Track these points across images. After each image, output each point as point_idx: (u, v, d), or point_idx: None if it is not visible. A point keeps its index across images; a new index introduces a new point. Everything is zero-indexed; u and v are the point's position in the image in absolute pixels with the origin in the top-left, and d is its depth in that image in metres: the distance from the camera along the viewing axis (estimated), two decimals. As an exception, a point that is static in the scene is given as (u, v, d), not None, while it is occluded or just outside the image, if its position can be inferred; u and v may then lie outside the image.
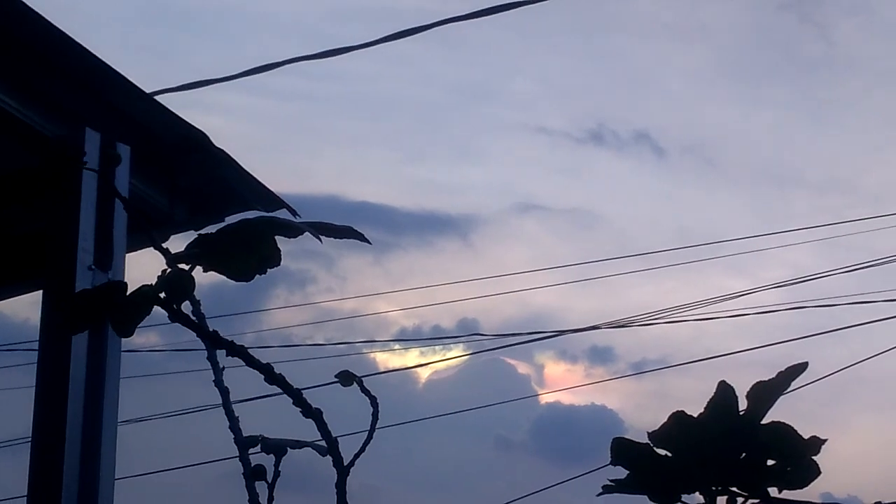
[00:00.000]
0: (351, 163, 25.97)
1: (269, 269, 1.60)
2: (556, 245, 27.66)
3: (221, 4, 24.47)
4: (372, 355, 18.52)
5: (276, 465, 2.09)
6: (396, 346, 18.39)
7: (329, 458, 1.87)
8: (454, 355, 18.84)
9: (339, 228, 1.62)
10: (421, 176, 27.77)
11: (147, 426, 15.45)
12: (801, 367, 1.81)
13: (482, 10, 6.88)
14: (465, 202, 27.53)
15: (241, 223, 1.59)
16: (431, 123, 27.33)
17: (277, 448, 2.08)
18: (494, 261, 28.42)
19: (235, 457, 2.11)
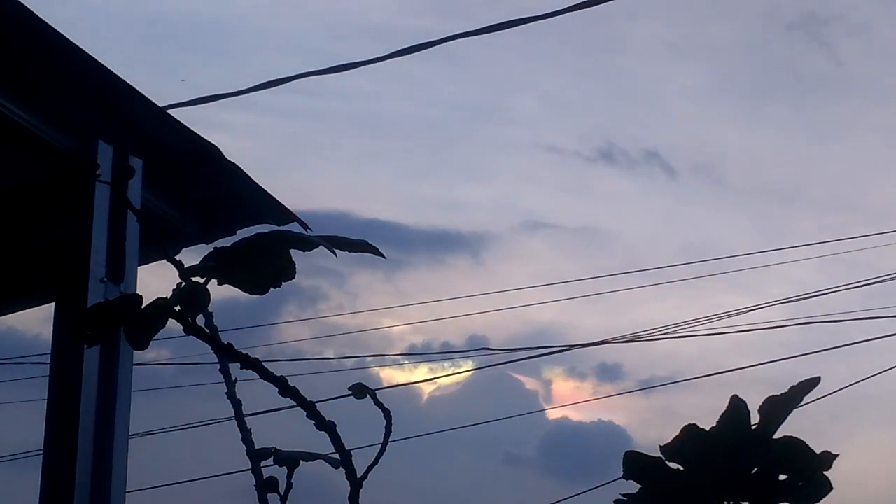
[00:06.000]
0: (359, 180, 25.96)
1: (283, 283, 1.61)
2: (565, 263, 27.67)
3: (225, 24, 24.51)
4: (381, 371, 18.51)
5: (289, 477, 2.09)
6: (405, 362, 18.39)
7: (342, 470, 1.87)
8: (463, 370, 18.84)
9: (353, 242, 1.63)
10: (431, 194, 27.75)
11: (159, 440, 15.47)
12: (813, 382, 1.80)
13: (488, 27, 6.89)
14: (475, 220, 27.47)
15: (255, 237, 1.59)
16: (440, 141, 27.34)
17: (290, 460, 2.08)
18: (504, 278, 28.42)
19: (247, 469, 2.11)
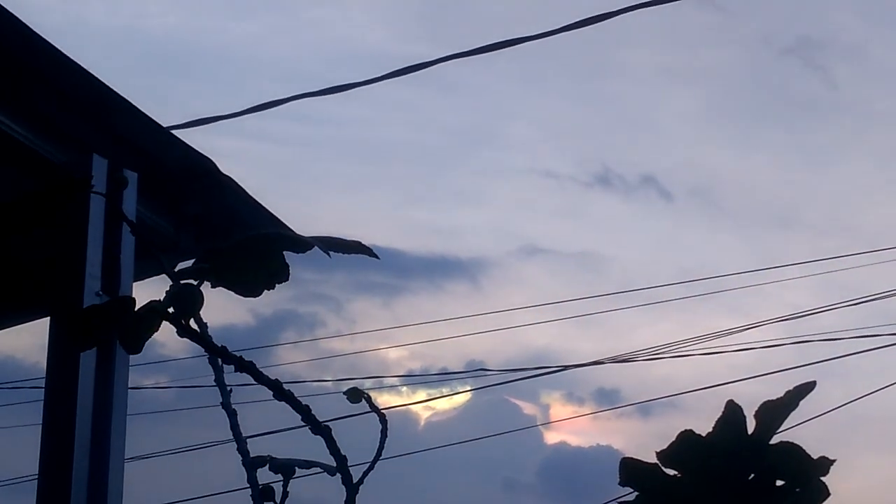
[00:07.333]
0: (356, 207, 25.94)
1: (276, 285, 1.60)
2: (563, 288, 27.71)
3: (220, 51, 24.59)
4: (378, 396, 18.45)
5: (285, 485, 2.07)
6: (402, 385, 18.37)
7: (337, 480, 1.86)
8: (460, 391, 18.83)
9: (347, 243, 1.62)
10: (428, 219, 27.74)
11: (158, 463, 15.49)
12: (809, 387, 1.79)
13: (480, 48, 6.87)
14: (473, 246, 27.47)
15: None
16: (436, 167, 27.44)
17: (286, 468, 2.07)
18: (502, 304, 28.44)
19: (245, 488, 2.09)
